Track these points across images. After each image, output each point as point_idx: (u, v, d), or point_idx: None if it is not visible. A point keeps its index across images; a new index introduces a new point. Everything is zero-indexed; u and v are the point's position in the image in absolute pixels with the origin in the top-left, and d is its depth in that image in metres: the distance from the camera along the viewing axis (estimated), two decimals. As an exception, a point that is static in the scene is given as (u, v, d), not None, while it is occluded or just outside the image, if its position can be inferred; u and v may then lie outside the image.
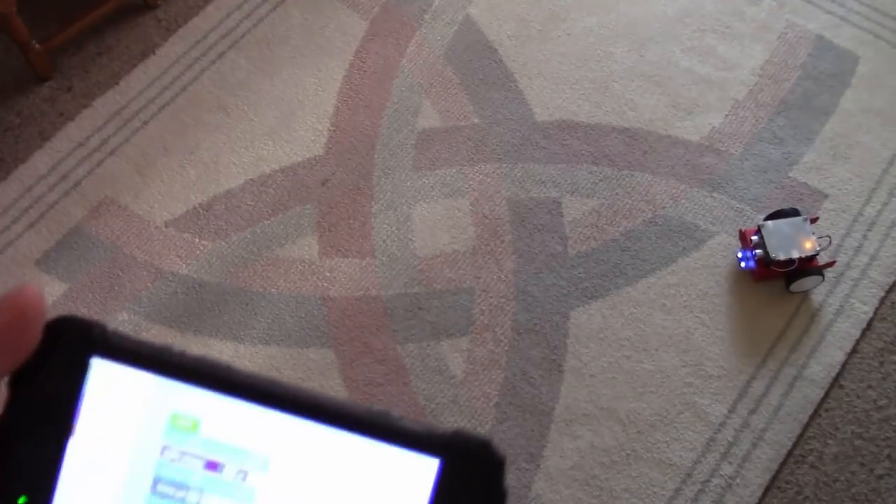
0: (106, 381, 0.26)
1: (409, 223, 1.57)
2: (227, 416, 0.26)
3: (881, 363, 1.44)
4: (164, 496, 0.26)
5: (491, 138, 1.66)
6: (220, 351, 1.45)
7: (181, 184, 1.62)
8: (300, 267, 1.53)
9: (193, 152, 1.66)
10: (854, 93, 1.70)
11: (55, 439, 0.26)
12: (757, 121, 1.67)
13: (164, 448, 0.26)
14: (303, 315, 1.48)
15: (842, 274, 1.51)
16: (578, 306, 1.48)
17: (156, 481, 0.26)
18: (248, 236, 1.56)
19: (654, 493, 1.34)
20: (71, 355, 0.26)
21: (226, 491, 0.26)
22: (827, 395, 1.41)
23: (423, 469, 0.26)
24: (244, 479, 0.26)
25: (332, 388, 1.42)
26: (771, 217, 1.48)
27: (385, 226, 1.57)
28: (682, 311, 1.48)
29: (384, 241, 1.55)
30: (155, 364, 0.26)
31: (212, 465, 0.26)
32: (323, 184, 1.62)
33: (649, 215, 1.57)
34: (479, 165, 1.63)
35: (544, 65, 1.75)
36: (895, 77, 1.72)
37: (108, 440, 0.26)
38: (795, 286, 1.46)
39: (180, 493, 0.26)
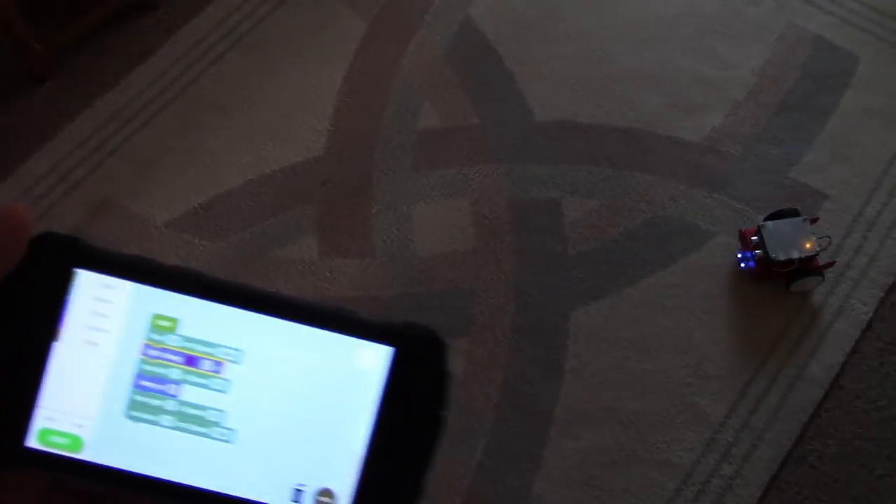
0: (89, 289, 0.29)
1: (409, 223, 1.57)
2: (202, 317, 0.29)
3: (881, 363, 1.44)
4: (145, 389, 0.29)
5: (491, 138, 1.66)
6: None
7: (181, 184, 1.62)
8: (300, 267, 1.53)
9: (193, 152, 1.66)
10: (854, 93, 1.70)
11: (41, 343, 0.28)
12: (757, 121, 1.67)
13: (146, 347, 0.29)
14: (303, 315, 1.48)
15: (842, 274, 1.51)
16: (578, 306, 1.48)
17: (138, 377, 0.29)
18: (248, 236, 1.56)
19: (654, 493, 1.34)
20: (56, 267, 0.28)
21: (203, 383, 0.29)
22: (827, 395, 1.41)
23: (379, 357, 0.29)
24: (220, 371, 0.29)
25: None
26: (771, 217, 1.48)
27: (385, 226, 1.57)
28: (682, 311, 1.48)
29: (384, 242, 1.55)
30: (135, 272, 0.29)
31: (190, 360, 0.29)
32: (323, 184, 1.62)
33: (649, 215, 1.57)
34: (479, 165, 1.63)
35: (544, 65, 1.75)
36: (895, 77, 1.72)
37: (93, 343, 0.29)
38: (795, 286, 1.46)
39: (160, 386, 0.29)
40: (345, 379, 0.29)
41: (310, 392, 0.29)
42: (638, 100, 1.70)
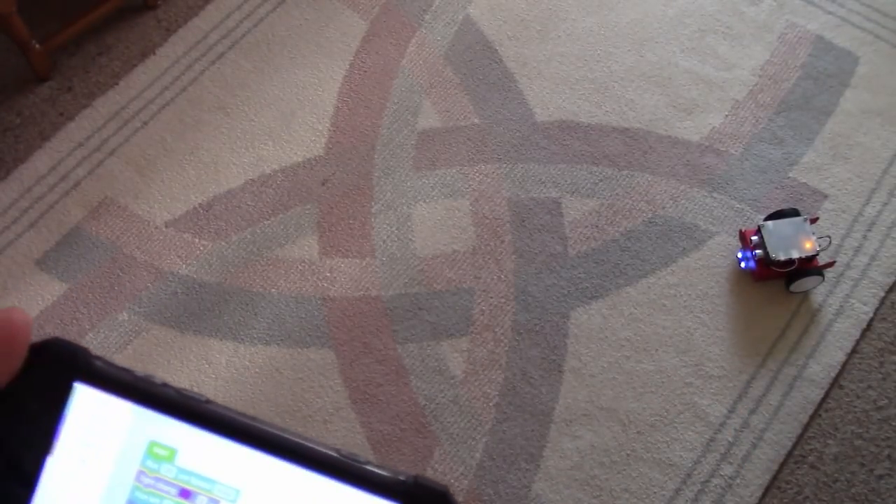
0: (88, 405, 0.27)
1: (409, 223, 1.57)
2: (202, 449, 0.27)
3: (881, 363, 1.44)
4: None
5: (491, 138, 1.66)
6: (220, 351, 1.45)
7: (181, 184, 1.62)
8: (300, 267, 1.53)
9: (193, 152, 1.66)
10: (854, 93, 1.70)
11: (34, 456, 0.27)
12: (757, 121, 1.67)
13: (140, 474, 0.27)
14: (303, 315, 1.48)
15: (842, 274, 1.51)
16: (578, 306, 1.48)
17: (129, 503, 0.27)
18: (248, 236, 1.56)
19: (654, 493, 1.34)
20: (56, 378, 0.27)
21: None
22: (827, 395, 1.41)
23: None
24: None
25: (332, 388, 1.42)
26: (771, 217, 1.48)
27: (385, 226, 1.57)
28: (682, 311, 1.48)
29: (384, 241, 1.55)
30: (136, 394, 0.28)
31: (185, 493, 0.27)
32: (323, 184, 1.62)
33: (649, 215, 1.57)
34: (479, 165, 1.63)
35: (544, 65, 1.75)
36: (895, 77, 1.72)
37: (86, 462, 0.27)
38: (795, 286, 1.46)
39: None
40: None
41: None
42: (638, 100, 1.70)
